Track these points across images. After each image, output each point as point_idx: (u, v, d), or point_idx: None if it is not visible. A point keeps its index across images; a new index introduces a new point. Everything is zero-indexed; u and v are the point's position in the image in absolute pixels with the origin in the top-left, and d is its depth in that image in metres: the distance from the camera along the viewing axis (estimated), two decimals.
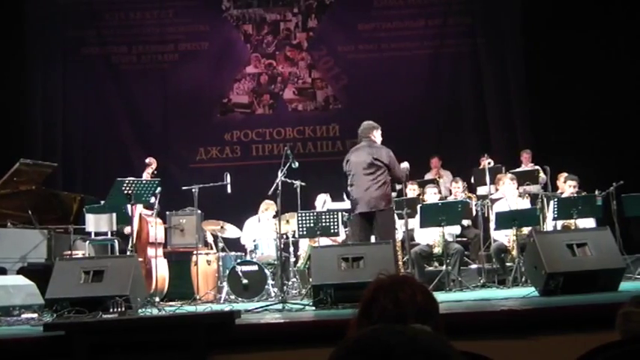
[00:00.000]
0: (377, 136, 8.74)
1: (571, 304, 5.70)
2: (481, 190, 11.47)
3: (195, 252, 10.14)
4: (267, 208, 10.56)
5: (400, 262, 9.62)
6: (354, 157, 8.61)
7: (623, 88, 12.46)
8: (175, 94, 14.09)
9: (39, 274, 8.17)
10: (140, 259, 9.11)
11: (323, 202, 10.63)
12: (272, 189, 8.55)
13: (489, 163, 10.96)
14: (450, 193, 11.56)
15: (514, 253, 9.42)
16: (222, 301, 9.49)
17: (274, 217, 10.29)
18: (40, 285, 7.78)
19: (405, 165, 8.97)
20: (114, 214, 9.74)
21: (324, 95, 14.30)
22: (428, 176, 12.52)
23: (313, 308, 7.17)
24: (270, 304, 7.63)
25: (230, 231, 10.43)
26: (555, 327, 5.03)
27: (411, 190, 10.82)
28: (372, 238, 8.52)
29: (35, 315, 7.62)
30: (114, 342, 5.03)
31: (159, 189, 8.85)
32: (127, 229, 9.67)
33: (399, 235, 10.04)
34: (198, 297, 9.62)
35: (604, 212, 9.88)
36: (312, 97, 14.31)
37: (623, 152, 12.14)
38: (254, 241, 10.34)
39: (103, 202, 9.19)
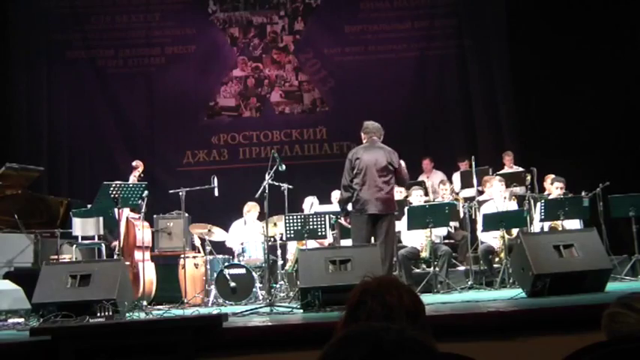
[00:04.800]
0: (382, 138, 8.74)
1: (558, 305, 5.72)
2: (467, 192, 11.50)
3: (182, 255, 10.11)
4: (250, 209, 10.59)
5: None
6: (367, 155, 8.41)
7: (608, 88, 12.50)
8: (162, 97, 14.04)
9: (26, 278, 8.13)
10: (127, 263, 9.10)
11: (310, 204, 10.63)
12: (259, 192, 8.53)
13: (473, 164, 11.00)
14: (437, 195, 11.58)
15: (502, 254, 9.44)
16: (209, 305, 9.49)
17: (259, 218, 10.32)
18: (26, 289, 7.74)
19: None
20: (101, 218, 9.71)
21: (311, 98, 14.29)
22: (422, 178, 12.51)
23: (301, 311, 7.18)
24: (258, 307, 7.61)
25: (217, 234, 10.41)
26: (542, 328, 5.05)
27: (398, 192, 10.82)
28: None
29: (22, 320, 7.59)
30: (101, 346, 5.02)
31: (146, 192, 8.82)
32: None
33: None
34: (185, 300, 9.59)
35: (591, 213, 9.92)
36: (299, 100, 14.30)
37: (609, 153, 12.18)
38: (241, 244, 10.33)
39: (89, 205, 9.16)
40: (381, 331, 1.42)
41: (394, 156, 8.49)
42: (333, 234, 10.05)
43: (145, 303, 8.78)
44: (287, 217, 9.31)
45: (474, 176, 10.90)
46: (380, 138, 8.64)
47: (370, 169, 8.33)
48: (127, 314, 7.29)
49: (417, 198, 10.23)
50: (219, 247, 10.56)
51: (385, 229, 8.29)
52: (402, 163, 8.66)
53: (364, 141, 8.67)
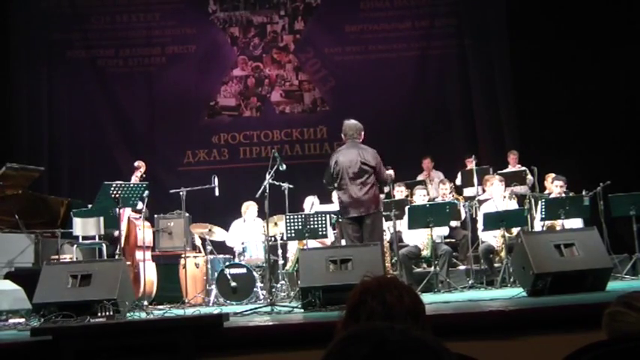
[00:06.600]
0: (362, 136, 8.69)
1: (559, 305, 5.72)
2: (468, 192, 11.50)
3: (183, 255, 10.11)
4: (248, 207, 10.62)
5: (388, 264, 9.64)
6: (342, 158, 8.41)
7: (609, 88, 12.51)
8: (162, 97, 14.04)
9: (26, 278, 8.13)
10: (128, 263, 9.10)
11: (311, 204, 10.63)
12: (260, 191, 8.53)
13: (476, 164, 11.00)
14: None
15: (502, 254, 9.44)
16: (210, 304, 9.49)
17: (259, 217, 10.33)
18: (27, 290, 7.74)
19: (389, 172, 8.90)
20: (101, 218, 9.70)
21: (312, 97, 14.29)
22: (420, 177, 12.51)
23: (302, 310, 7.18)
24: (259, 307, 7.62)
25: (218, 234, 10.41)
26: (543, 327, 5.05)
27: (399, 192, 10.83)
28: None
29: (23, 320, 7.59)
30: (101, 346, 5.02)
31: (147, 192, 8.82)
32: (117, 233, 9.65)
33: (387, 237, 10.06)
34: (186, 300, 9.60)
35: (591, 212, 9.92)
36: (299, 100, 14.30)
37: (609, 152, 12.18)
38: (242, 243, 10.33)
39: (90, 205, 9.16)
40: (384, 331, 1.41)
41: (370, 155, 8.40)
42: (334, 233, 10.05)
43: (145, 303, 8.80)
44: (288, 217, 9.31)
45: (475, 175, 10.90)
46: (359, 137, 8.59)
47: (346, 172, 8.35)
48: (128, 314, 7.29)
49: (420, 198, 10.25)
50: (220, 247, 10.56)
51: (369, 230, 8.29)
52: (379, 157, 8.52)
53: (345, 142, 8.68)
